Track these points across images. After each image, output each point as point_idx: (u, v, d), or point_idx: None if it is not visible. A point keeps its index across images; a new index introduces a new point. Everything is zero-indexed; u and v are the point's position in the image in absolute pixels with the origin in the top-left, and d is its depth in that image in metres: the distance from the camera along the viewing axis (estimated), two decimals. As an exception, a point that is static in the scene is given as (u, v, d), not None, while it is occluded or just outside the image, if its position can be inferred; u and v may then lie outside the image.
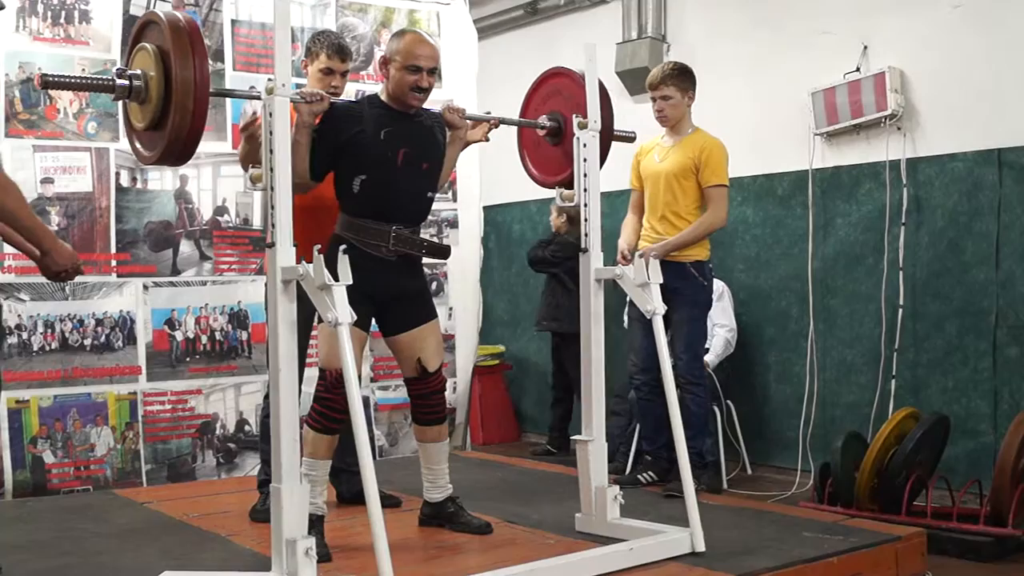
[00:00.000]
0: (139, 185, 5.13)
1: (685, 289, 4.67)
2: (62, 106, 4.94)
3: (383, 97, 3.74)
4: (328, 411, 3.52)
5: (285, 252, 3.06)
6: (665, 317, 4.64)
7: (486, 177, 6.23)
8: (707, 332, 5.13)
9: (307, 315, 3.44)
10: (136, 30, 3.14)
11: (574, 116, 3.90)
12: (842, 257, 5.91)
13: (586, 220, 3.88)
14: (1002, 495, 4.45)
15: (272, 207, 3.06)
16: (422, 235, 3.81)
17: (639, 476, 4.81)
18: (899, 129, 5.63)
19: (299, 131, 3.43)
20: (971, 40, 5.39)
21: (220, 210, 5.34)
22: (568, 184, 3.98)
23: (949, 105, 5.48)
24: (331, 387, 3.49)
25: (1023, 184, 5.19)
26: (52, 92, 4.92)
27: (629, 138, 4.30)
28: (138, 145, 3.15)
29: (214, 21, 5.34)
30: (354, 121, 3.62)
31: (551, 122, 4.07)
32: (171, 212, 5.20)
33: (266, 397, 4.26)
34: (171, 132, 2.94)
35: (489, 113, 4.18)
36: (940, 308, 5.48)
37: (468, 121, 3.93)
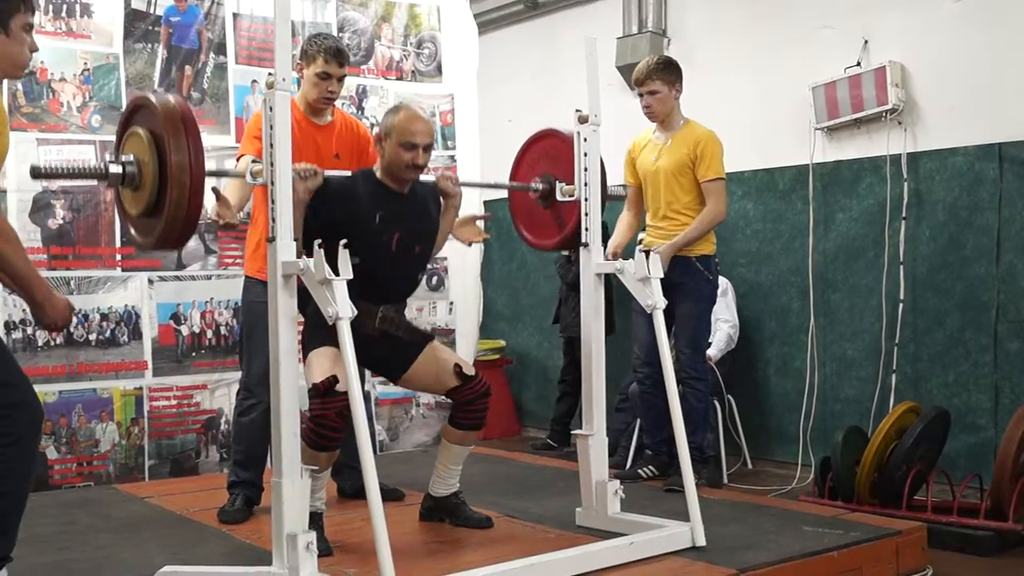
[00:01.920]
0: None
1: (690, 284, 4.69)
2: (65, 100, 4.95)
3: (378, 174, 3.71)
4: (322, 429, 3.40)
5: (286, 247, 3.07)
6: (669, 311, 4.69)
7: (486, 172, 6.23)
8: (711, 327, 5.13)
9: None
10: (126, 114, 3.06)
11: (575, 110, 3.90)
12: (843, 251, 5.91)
13: (586, 215, 3.88)
14: (1002, 489, 4.45)
15: (273, 202, 3.07)
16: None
17: (639, 471, 4.83)
18: (900, 123, 5.63)
19: (295, 209, 3.29)
20: (972, 34, 5.39)
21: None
22: (563, 247, 3.99)
23: (950, 99, 5.47)
24: (321, 393, 3.39)
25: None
26: (55, 85, 4.94)
27: (620, 196, 4.39)
28: (133, 232, 3.07)
29: (216, 14, 5.34)
30: (348, 201, 3.58)
31: (543, 185, 4.03)
32: (174, 206, 5.21)
33: (237, 393, 4.29)
34: (167, 218, 2.85)
35: (490, 216, 4.17)
36: (941, 302, 5.48)
37: (461, 188, 3.90)
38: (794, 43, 6.14)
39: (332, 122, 4.23)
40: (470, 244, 4.24)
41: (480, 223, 4.15)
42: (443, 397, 3.90)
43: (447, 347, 3.90)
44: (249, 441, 4.10)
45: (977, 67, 5.36)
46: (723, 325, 5.95)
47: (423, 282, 4.74)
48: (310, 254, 3.51)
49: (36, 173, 3.03)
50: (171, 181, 2.82)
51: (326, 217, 3.51)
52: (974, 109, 5.38)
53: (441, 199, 3.88)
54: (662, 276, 3.79)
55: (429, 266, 5.67)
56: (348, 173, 3.78)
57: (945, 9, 5.49)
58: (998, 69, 5.29)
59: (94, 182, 4.96)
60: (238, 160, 4.05)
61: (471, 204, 6.04)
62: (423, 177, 3.79)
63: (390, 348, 3.73)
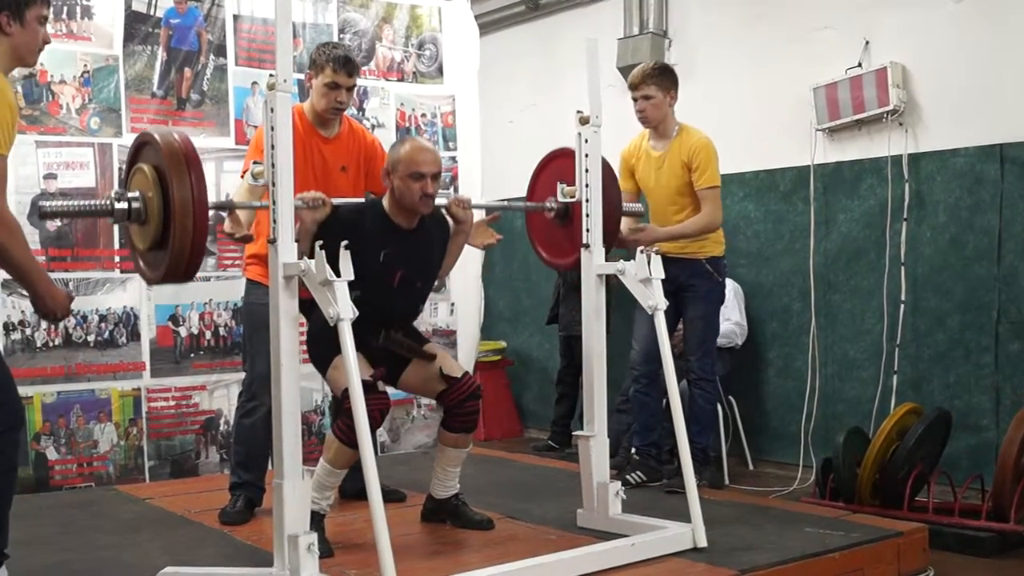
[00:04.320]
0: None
1: (699, 286, 4.68)
2: (65, 102, 4.95)
3: (386, 207, 3.70)
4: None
5: (287, 248, 3.07)
6: (677, 313, 4.66)
7: (488, 173, 6.23)
8: (719, 329, 5.09)
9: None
10: (132, 151, 3.11)
11: (576, 111, 3.90)
12: (844, 253, 5.91)
13: (587, 216, 3.88)
14: (1004, 490, 4.45)
15: (274, 203, 3.07)
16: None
17: (627, 476, 4.70)
18: (901, 124, 5.62)
19: (301, 241, 3.31)
20: (973, 35, 5.38)
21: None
22: (574, 265, 3.99)
23: (951, 100, 5.47)
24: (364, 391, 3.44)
25: (1025, 179, 5.20)
26: (55, 87, 4.93)
27: (638, 212, 4.42)
28: (142, 265, 3.13)
29: (216, 16, 5.34)
30: (354, 234, 3.49)
31: (559, 204, 4.02)
32: (173, 208, 5.20)
33: (240, 395, 4.27)
34: (173, 251, 2.92)
35: (497, 216, 4.11)
36: (942, 303, 5.48)
37: (472, 212, 3.89)
38: (795, 44, 6.14)
39: (339, 134, 4.19)
40: (484, 247, 4.22)
41: (491, 226, 4.13)
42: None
43: (443, 351, 3.88)
44: (251, 443, 4.09)
45: (978, 68, 5.36)
46: (727, 322, 5.92)
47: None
48: None
49: (43, 214, 3.09)
50: (175, 216, 2.89)
51: (331, 247, 3.46)
52: (975, 110, 5.37)
53: (451, 223, 3.87)
54: (663, 277, 3.79)
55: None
56: (358, 200, 3.77)
57: (946, 10, 5.49)
58: (999, 70, 5.28)
59: (93, 184, 5.00)
60: (243, 175, 4.03)
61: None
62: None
63: (388, 357, 3.75)
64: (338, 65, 4.00)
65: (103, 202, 3.02)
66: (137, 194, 2.99)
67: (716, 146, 4.74)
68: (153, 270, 3.07)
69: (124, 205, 2.98)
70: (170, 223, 2.90)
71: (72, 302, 3.06)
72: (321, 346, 3.64)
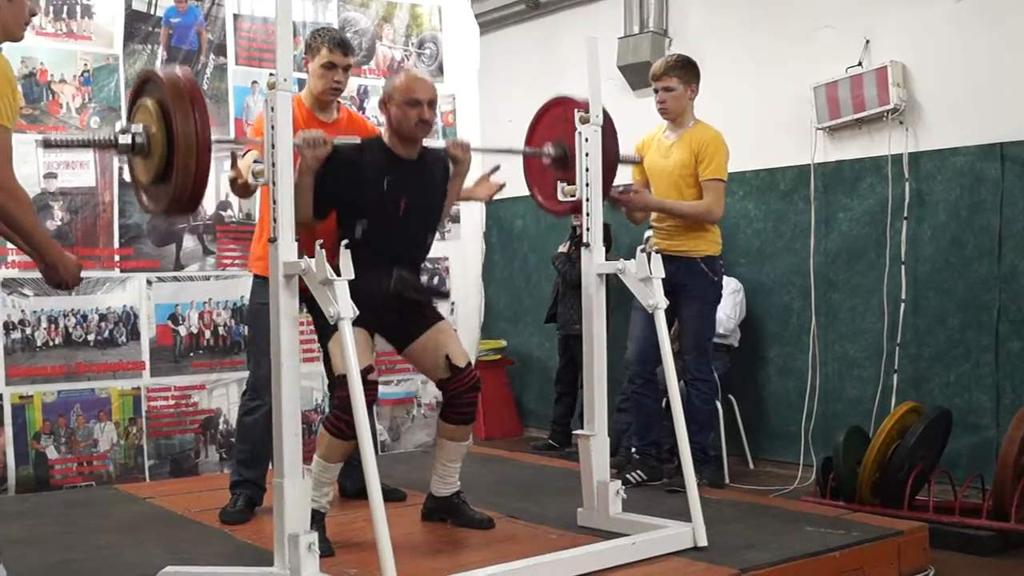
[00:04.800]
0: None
1: (693, 285, 4.66)
2: (65, 101, 4.95)
3: (386, 140, 3.74)
4: (349, 417, 3.40)
5: (287, 247, 3.06)
6: (674, 312, 4.65)
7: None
8: (715, 328, 5.09)
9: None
10: (135, 86, 3.17)
11: (576, 111, 3.90)
12: (844, 251, 5.91)
13: (588, 215, 3.88)
14: (1004, 489, 4.45)
15: (274, 202, 3.07)
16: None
17: (628, 475, 4.68)
18: (901, 123, 5.62)
19: (302, 176, 3.41)
20: (973, 34, 5.38)
21: (223, 205, 5.34)
22: (577, 211, 3.99)
23: (951, 99, 5.47)
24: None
25: (1025, 178, 5.19)
26: (55, 87, 4.93)
27: (635, 161, 4.48)
28: (145, 199, 3.19)
29: (216, 15, 5.34)
30: (356, 167, 3.63)
31: (556, 150, 4.03)
32: (173, 207, 5.20)
33: (243, 394, 4.27)
34: (176, 184, 2.98)
35: (497, 167, 4.14)
36: (942, 302, 5.48)
37: (471, 155, 3.90)
38: (795, 43, 6.14)
39: (338, 119, 4.20)
40: (489, 200, 4.26)
41: (493, 177, 4.15)
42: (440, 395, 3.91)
43: (452, 332, 3.87)
44: (252, 441, 4.09)
45: (978, 67, 5.35)
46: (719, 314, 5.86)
47: (424, 282, 4.72)
48: (322, 217, 3.60)
49: (47, 144, 3.14)
50: (178, 149, 2.94)
51: (333, 183, 3.55)
52: (975, 109, 5.37)
53: (450, 166, 3.89)
54: (663, 276, 3.79)
55: (430, 265, 5.70)
56: (357, 140, 3.80)
57: (946, 9, 5.49)
58: (999, 69, 5.28)
59: (93, 183, 5.00)
60: (244, 155, 4.03)
61: (472, 205, 6.08)
62: (432, 144, 3.80)
63: (401, 314, 3.74)
64: (333, 45, 4.03)
65: (106, 136, 3.08)
66: (141, 128, 3.04)
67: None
68: (156, 203, 3.13)
69: (127, 139, 3.04)
70: (173, 156, 2.96)
71: (82, 271, 3.12)
72: (325, 329, 3.64)
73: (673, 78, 4.68)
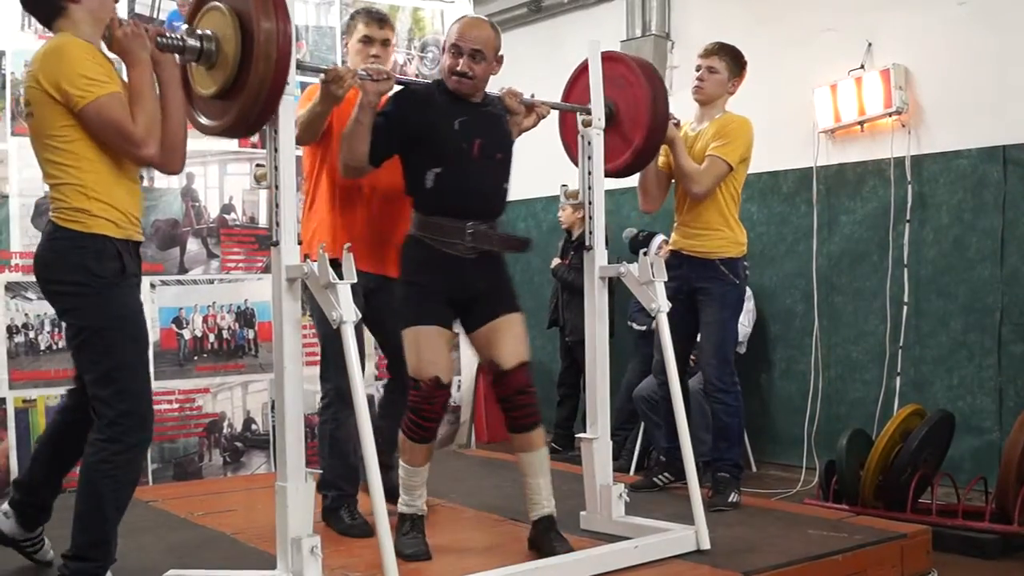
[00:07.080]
0: (146, 183, 5.11)
1: (713, 289, 4.39)
2: (67, 104, 4.94)
3: (447, 84, 3.55)
4: (424, 421, 3.39)
5: (289, 251, 3.06)
6: (693, 317, 4.45)
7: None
8: (738, 335, 4.89)
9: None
10: None
11: (578, 114, 3.89)
12: (847, 254, 5.91)
13: (590, 218, 3.87)
14: (1007, 492, 4.45)
15: (276, 205, 3.06)
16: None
17: (655, 479, 4.61)
18: (903, 126, 5.63)
19: (362, 111, 3.28)
20: (976, 37, 5.38)
21: (227, 208, 5.34)
22: (624, 172, 3.90)
23: (954, 102, 5.47)
24: (427, 397, 3.36)
25: (1028, 181, 5.20)
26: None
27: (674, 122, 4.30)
28: (201, 116, 2.96)
29: (219, 20, 5.33)
30: (425, 107, 3.46)
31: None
32: (178, 210, 5.20)
33: (327, 407, 3.88)
34: (247, 97, 2.75)
35: (533, 96, 3.88)
36: (945, 305, 5.48)
37: (523, 106, 3.72)
38: (798, 46, 6.14)
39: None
40: (536, 123, 3.85)
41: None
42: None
43: (512, 329, 3.55)
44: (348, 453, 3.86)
45: (981, 70, 5.36)
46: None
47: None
48: (377, 164, 3.44)
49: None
50: (257, 54, 2.70)
51: (400, 122, 3.40)
52: (978, 112, 5.38)
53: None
54: (666, 279, 3.76)
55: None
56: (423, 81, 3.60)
57: (949, 12, 5.49)
58: (1002, 72, 5.29)
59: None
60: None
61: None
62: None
63: (485, 284, 3.49)
64: (369, 18, 3.93)
65: (173, 39, 2.82)
66: (210, 32, 2.80)
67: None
68: (215, 119, 2.89)
69: (196, 43, 2.81)
70: (248, 64, 2.70)
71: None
72: (397, 316, 3.48)
73: (723, 61, 4.46)
